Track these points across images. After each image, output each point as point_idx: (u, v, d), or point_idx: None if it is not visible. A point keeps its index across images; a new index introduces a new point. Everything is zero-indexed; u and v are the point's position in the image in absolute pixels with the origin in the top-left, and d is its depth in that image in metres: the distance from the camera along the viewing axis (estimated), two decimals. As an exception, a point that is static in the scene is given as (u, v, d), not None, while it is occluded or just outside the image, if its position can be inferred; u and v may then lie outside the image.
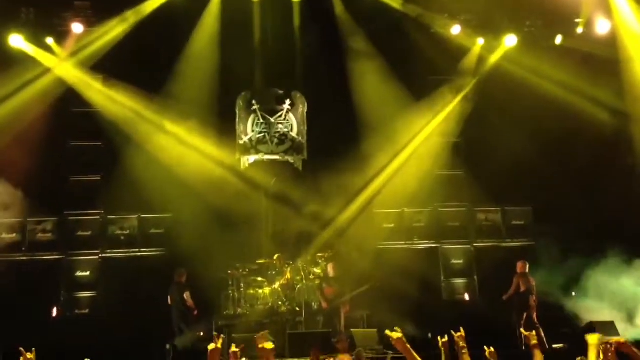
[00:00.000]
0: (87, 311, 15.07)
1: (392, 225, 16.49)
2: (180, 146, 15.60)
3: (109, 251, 15.53)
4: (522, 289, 13.95)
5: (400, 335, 5.84)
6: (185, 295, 13.69)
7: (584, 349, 6.24)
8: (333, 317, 13.82)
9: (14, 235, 15.10)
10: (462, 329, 6.43)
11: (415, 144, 16.49)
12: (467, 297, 16.29)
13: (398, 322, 14.02)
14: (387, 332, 5.89)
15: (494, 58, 16.40)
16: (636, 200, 15.31)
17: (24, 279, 14.45)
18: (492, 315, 14.04)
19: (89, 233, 15.49)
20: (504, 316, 13.96)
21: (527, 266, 14.23)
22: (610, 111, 15.70)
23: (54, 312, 14.76)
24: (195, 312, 13.78)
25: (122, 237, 15.62)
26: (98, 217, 15.61)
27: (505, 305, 14.08)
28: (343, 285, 14.11)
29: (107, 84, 15.44)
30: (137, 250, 15.58)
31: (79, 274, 15.29)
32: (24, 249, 15.07)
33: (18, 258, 14.91)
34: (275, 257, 15.10)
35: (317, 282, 14.60)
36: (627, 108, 15.64)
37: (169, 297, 13.80)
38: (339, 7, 16.07)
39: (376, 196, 16.26)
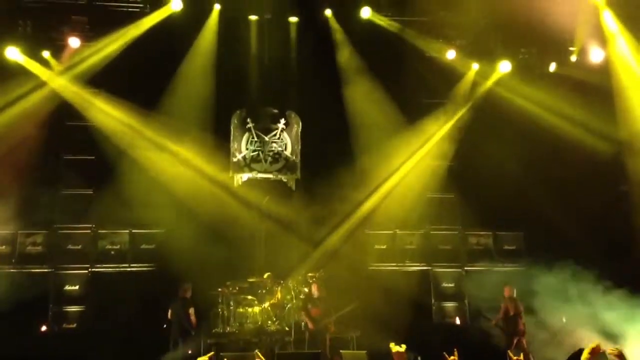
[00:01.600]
0: (74, 325, 14.93)
1: (384, 247, 16.52)
2: (173, 162, 15.61)
3: (98, 266, 15.43)
4: (511, 313, 13.92)
5: (403, 349, 5.84)
6: (190, 311, 13.60)
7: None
8: (318, 338, 13.75)
9: (4, 247, 15.02)
10: (455, 350, 6.40)
11: (408, 166, 16.56)
12: (457, 320, 16.24)
13: (388, 344, 14.12)
14: (392, 344, 5.88)
15: (488, 83, 16.53)
16: (630, 227, 15.35)
17: (12, 292, 14.31)
18: (482, 340, 14.03)
19: (79, 247, 15.41)
20: (494, 341, 13.93)
21: (514, 291, 14.22)
22: (603, 138, 15.79)
23: (43, 328, 14.62)
24: (194, 331, 13.68)
25: (113, 252, 15.53)
26: (89, 231, 15.54)
27: (495, 330, 14.04)
28: (328, 306, 14.07)
29: (102, 99, 15.43)
30: (127, 265, 15.50)
31: (67, 287, 15.17)
32: (13, 261, 14.96)
33: (7, 270, 14.78)
34: (266, 275, 15.06)
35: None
36: (620, 135, 15.75)
37: (169, 311, 13.63)
38: (335, 29, 16.18)
39: (368, 217, 16.30)
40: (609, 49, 15.51)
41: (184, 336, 13.51)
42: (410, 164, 16.58)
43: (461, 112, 16.79)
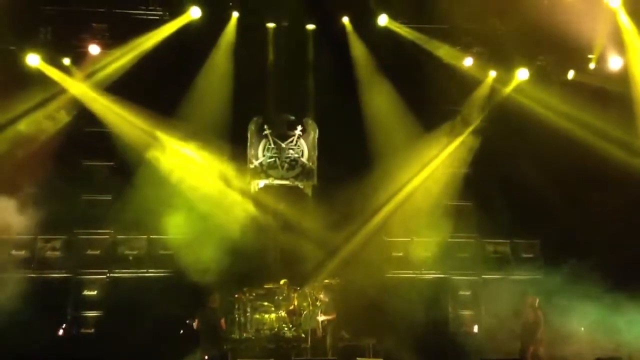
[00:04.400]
0: (92, 330, 15.05)
1: (401, 254, 16.48)
2: (191, 168, 15.71)
3: (117, 271, 15.53)
4: (530, 322, 13.83)
5: None
6: (222, 321, 13.48)
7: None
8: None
9: (23, 252, 15.13)
10: None
11: (426, 173, 16.52)
12: (475, 329, 16.15)
13: (404, 352, 14.13)
14: None
15: (505, 91, 16.47)
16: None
17: (31, 296, 14.44)
18: (499, 348, 13.96)
19: (97, 252, 15.52)
20: (511, 349, 13.85)
21: (537, 300, 14.13)
22: (621, 146, 15.69)
23: (61, 331, 14.74)
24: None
25: (131, 257, 15.62)
26: (107, 236, 15.66)
27: (511, 338, 13.97)
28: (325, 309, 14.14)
29: (121, 105, 15.54)
30: (145, 270, 15.58)
31: (86, 292, 15.29)
32: (32, 266, 15.09)
33: (26, 275, 14.89)
34: (282, 282, 15.11)
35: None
36: (637, 144, 15.65)
37: (196, 321, 13.25)
38: (352, 36, 16.21)
39: (385, 224, 16.29)
40: (628, 56, 15.43)
41: (214, 344, 13.25)
42: (427, 171, 16.53)
43: (478, 120, 16.75)
